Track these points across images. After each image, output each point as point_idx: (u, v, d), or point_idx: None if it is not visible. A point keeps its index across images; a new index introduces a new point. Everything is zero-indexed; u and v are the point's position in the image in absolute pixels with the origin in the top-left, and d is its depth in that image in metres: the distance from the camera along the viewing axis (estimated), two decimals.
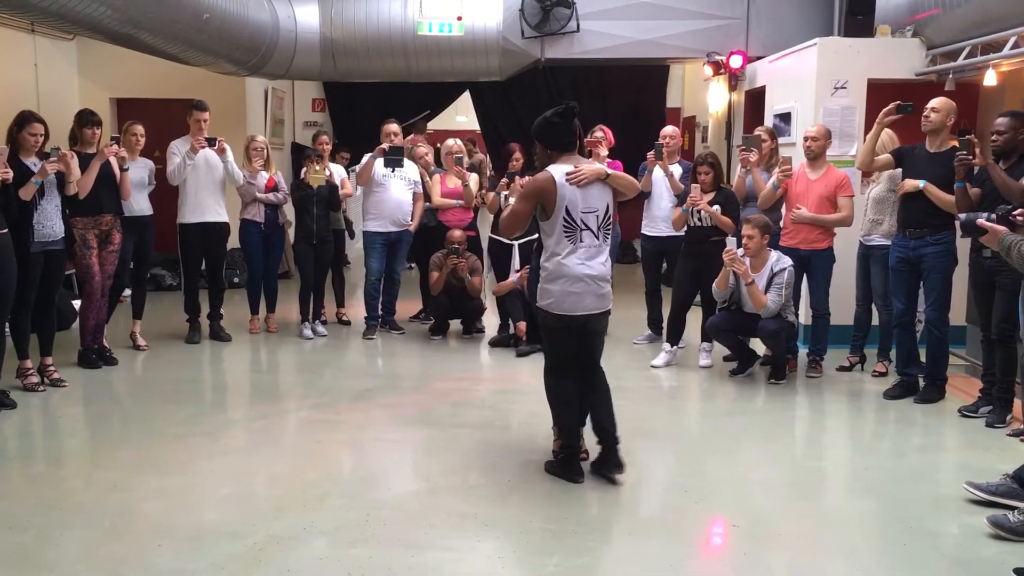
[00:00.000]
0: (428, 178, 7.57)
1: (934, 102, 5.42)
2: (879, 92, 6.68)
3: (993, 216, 3.82)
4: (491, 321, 7.47)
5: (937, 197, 5.29)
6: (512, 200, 4.53)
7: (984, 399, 5.27)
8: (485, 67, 9.19)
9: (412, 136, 10.13)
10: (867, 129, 6.12)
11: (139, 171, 6.66)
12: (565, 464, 4.26)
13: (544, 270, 4.16)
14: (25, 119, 5.45)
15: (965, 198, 5.03)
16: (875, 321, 6.21)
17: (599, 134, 7.09)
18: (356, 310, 7.91)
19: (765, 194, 6.21)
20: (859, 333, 6.28)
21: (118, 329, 6.99)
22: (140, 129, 6.70)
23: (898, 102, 5.47)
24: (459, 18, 8.85)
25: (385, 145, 7.15)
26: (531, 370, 6.04)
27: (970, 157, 4.99)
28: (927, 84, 6.72)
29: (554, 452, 4.36)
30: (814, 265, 6.12)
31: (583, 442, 4.33)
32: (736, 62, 8.65)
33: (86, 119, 6.10)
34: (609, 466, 4.23)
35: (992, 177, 4.91)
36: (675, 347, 6.50)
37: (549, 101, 11.23)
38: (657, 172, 6.91)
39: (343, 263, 8.14)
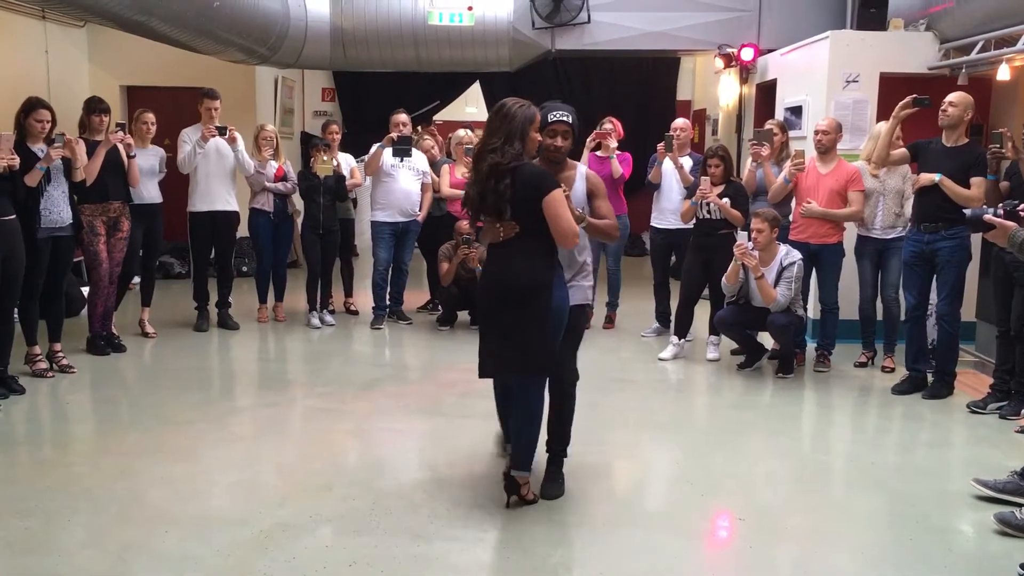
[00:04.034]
0: (435, 174, 7.58)
1: (952, 96, 5.36)
2: (891, 86, 6.64)
3: (1000, 211, 3.78)
4: None
5: (952, 191, 5.25)
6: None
7: (993, 395, 5.25)
8: (495, 58, 9.18)
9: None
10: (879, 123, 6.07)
11: (150, 159, 6.67)
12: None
13: (589, 267, 4.02)
14: (32, 106, 5.45)
15: (995, 192, 5.01)
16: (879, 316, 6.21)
17: (608, 126, 7.07)
18: (364, 300, 7.91)
19: (776, 188, 6.18)
20: (869, 328, 6.27)
21: (127, 316, 7.02)
22: (151, 117, 6.71)
23: (915, 95, 5.41)
24: (470, 8, 8.84)
25: (394, 135, 7.14)
26: None
27: (1003, 150, 4.97)
28: (940, 78, 6.69)
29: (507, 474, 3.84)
30: (823, 259, 6.09)
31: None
32: (747, 55, 8.63)
33: (94, 106, 6.11)
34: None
35: (1021, 171, 4.90)
36: (683, 340, 6.49)
37: (559, 92, 11.22)
38: (667, 164, 6.89)
39: (352, 253, 8.14)
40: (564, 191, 3.64)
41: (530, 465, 3.84)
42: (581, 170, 4.02)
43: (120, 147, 6.13)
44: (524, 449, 3.81)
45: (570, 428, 4.05)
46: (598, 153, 7.06)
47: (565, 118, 3.85)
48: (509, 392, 4.00)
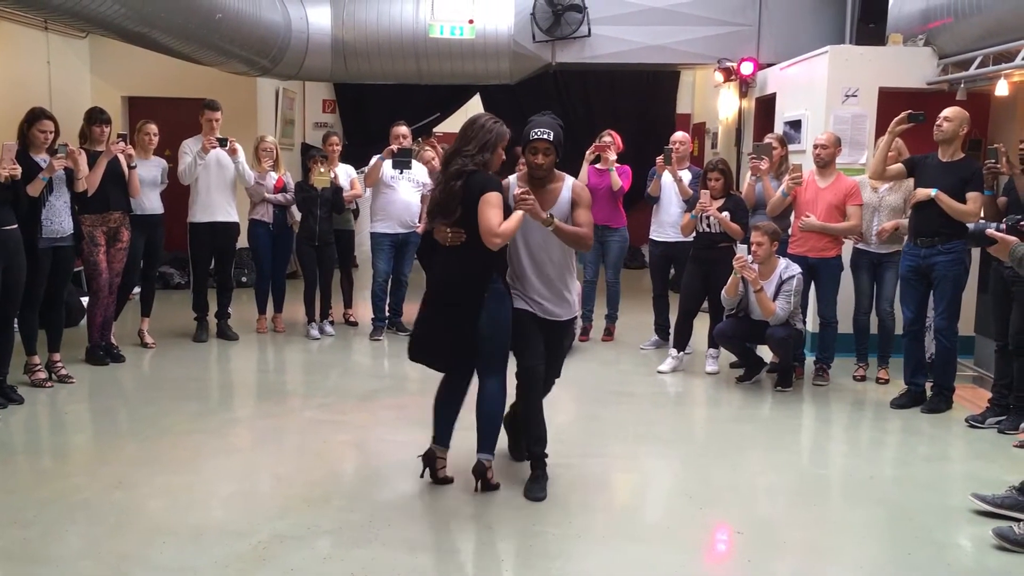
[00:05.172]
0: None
1: (947, 111, 5.39)
2: (890, 100, 6.66)
3: (1002, 226, 3.80)
4: None
5: (949, 206, 5.26)
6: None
7: (992, 410, 5.25)
8: (496, 70, 9.20)
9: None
10: (878, 138, 6.10)
11: (152, 170, 6.69)
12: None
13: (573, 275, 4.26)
14: (35, 116, 5.47)
15: (992, 207, 5.03)
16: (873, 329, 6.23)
17: (608, 139, 7.09)
18: (363, 311, 7.92)
19: (774, 201, 6.20)
20: (863, 341, 6.28)
21: (126, 326, 7.02)
22: (153, 128, 6.73)
23: (910, 111, 5.44)
24: (470, 21, 8.87)
25: (394, 147, 7.16)
26: None
27: (998, 166, 5.00)
28: (939, 93, 6.71)
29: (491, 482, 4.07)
30: (822, 273, 6.10)
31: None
32: (747, 69, 8.65)
33: (95, 117, 6.13)
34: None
35: (1017, 187, 4.92)
36: (682, 353, 6.49)
37: (560, 105, 11.25)
38: (666, 178, 6.90)
39: (351, 264, 8.15)
40: (527, 198, 3.81)
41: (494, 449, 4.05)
42: (569, 181, 4.16)
43: (121, 157, 6.15)
44: (492, 434, 4.04)
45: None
46: (597, 166, 7.08)
47: (545, 135, 3.99)
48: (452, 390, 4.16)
